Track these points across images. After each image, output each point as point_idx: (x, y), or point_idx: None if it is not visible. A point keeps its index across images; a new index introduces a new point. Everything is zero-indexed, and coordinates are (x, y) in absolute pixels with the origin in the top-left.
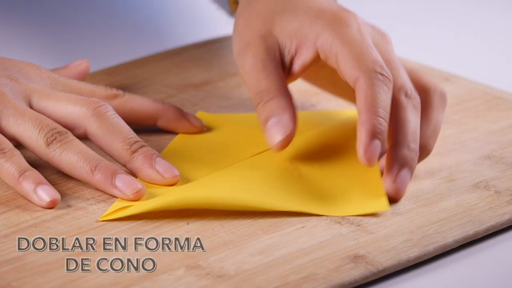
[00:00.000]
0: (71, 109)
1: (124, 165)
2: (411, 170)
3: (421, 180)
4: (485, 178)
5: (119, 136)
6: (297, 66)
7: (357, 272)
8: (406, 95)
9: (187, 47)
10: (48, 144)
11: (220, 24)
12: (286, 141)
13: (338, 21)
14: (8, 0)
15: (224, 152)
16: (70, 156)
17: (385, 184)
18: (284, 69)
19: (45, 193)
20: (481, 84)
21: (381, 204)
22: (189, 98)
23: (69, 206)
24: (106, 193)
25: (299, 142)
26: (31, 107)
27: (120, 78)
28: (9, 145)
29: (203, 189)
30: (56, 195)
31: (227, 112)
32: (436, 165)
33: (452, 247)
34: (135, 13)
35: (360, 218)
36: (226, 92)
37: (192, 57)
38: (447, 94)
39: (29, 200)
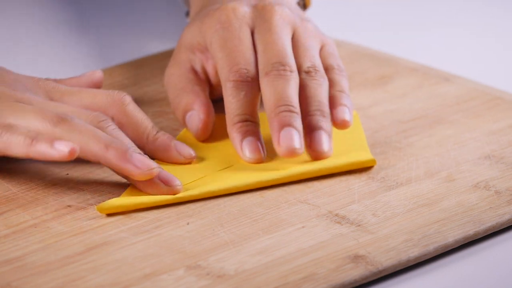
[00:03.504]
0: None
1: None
2: (292, 126)
3: (421, 180)
4: (485, 178)
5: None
6: (210, 71)
7: (357, 272)
8: (306, 72)
9: None
10: (55, 125)
11: None
12: (204, 129)
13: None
14: (7, 2)
15: (223, 151)
16: (81, 136)
17: (276, 149)
18: (203, 77)
19: (63, 145)
20: (481, 84)
21: (367, 157)
22: None
23: (69, 206)
24: (118, 174)
25: None
26: None
27: (120, 78)
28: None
29: (208, 185)
30: (75, 146)
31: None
32: (436, 165)
33: (453, 247)
34: (135, 13)
35: (360, 218)
36: None
37: None
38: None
39: (47, 160)
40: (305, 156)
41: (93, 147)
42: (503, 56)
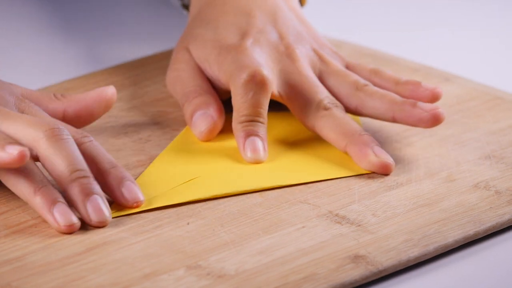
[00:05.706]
0: (26, 130)
1: (63, 191)
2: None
3: (421, 180)
4: (485, 178)
5: (64, 160)
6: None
7: (357, 272)
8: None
9: None
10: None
11: None
12: (211, 131)
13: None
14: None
15: (223, 152)
16: (14, 173)
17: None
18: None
19: (13, 148)
20: (481, 84)
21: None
22: None
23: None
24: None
25: (292, 134)
26: None
27: (120, 78)
28: None
29: (210, 183)
30: (25, 149)
31: (226, 113)
32: (436, 165)
33: (453, 247)
34: (135, 13)
35: (360, 218)
36: None
37: None
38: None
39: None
40: (305, 161)
41: (23, 188)
42: (504, 56)
